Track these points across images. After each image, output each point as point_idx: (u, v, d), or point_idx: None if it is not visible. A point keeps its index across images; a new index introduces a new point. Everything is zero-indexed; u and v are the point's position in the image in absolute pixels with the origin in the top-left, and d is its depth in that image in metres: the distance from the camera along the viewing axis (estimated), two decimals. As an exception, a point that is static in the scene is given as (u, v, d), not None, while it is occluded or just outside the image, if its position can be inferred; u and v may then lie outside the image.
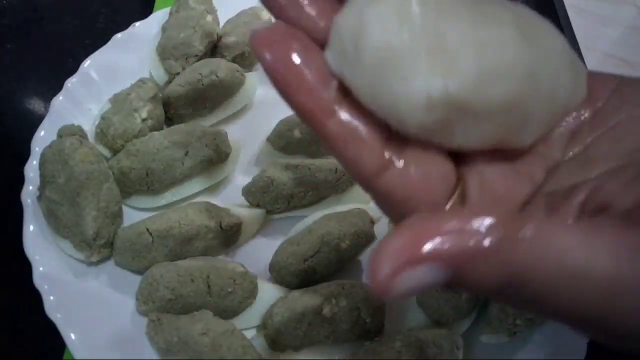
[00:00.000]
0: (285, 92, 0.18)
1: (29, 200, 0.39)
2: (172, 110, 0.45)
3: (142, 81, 0.44)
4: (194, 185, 0.43)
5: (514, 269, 0.15)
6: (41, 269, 0.37)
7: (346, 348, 0.37)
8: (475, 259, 0.15)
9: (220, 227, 0.40)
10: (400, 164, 0.18)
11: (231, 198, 0.44)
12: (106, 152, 0.43)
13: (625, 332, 0.15)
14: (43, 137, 0.41)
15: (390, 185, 0.18)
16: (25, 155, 0.41)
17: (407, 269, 0.14)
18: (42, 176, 0.38)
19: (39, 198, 0.39)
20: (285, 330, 0.36)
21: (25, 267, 0.37)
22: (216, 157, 0.43)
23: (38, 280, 0.36)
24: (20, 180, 0.40)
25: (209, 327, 0.34)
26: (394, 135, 0.18)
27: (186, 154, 0.41)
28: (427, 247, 0.14)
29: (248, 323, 0.38)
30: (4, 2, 0.59)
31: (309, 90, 0.18)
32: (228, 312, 0.37)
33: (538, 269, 0.15)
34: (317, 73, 0.18)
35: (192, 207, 0.40)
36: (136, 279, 0.38)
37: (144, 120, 0.43)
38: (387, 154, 0.18)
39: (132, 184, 0.41)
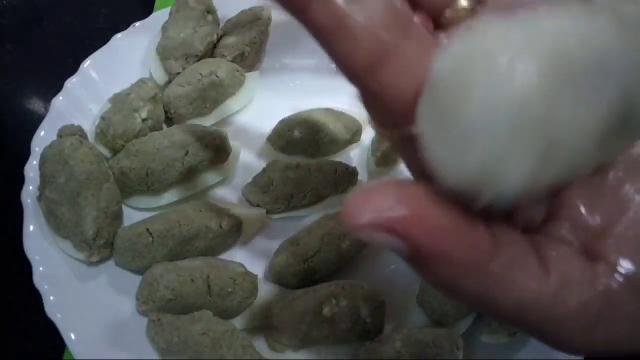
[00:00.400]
0: None
1: (29, 200, 0.39)
2: (172, 110, 0.45)
3: (142, 81, 0.44)
4: (194, 185, 0.43)
5: (473, 288, 0.15)
6: (41, 269, 0.37)
7: (346, 348, 0.37)
8: (442, 263, 0.15)
9: (220, 227, 0.40)
10: (396, 56, 0.16)
11: (231, 198, 0.44)
12: (106, 152, 0.43)
13: (559, 343, 0.16)
14: (43, 137, 0.41)
15: (381, 82, 0.16)
16: (25, 155, 0.41)
17: (380, 231, 0.14)
18: (42, 176, 0.38)
19: (39, 198, 0.39)
20: (285, 330, 0.36)
21: (25, 267, 0.37)
22: (216, 157, 0.43)
23: (38, 280, 0.36)
24: (20, 180, 0.40)
25: (209, 327, 0.34)
26: (396, 19, 0.16)
27: (186, 154, 0.41)
28: (407, 230, 0.14)
29: (248, 323, 0.38)
30: (4, 2, 0.58)
31: None
32: (228, 312, 0.37)
33: (494, 293, 0.15)
34: None
35: (192, 207, 0.40)
36: (136, 279, 0.38)
37: (144, 120, 0.43)
38: (380, 47, 0.16)
39: (132, 184, 0.41)
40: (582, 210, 0.17)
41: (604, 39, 0.14)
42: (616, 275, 0.16)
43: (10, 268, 0.42)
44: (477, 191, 0.14)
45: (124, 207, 0.41)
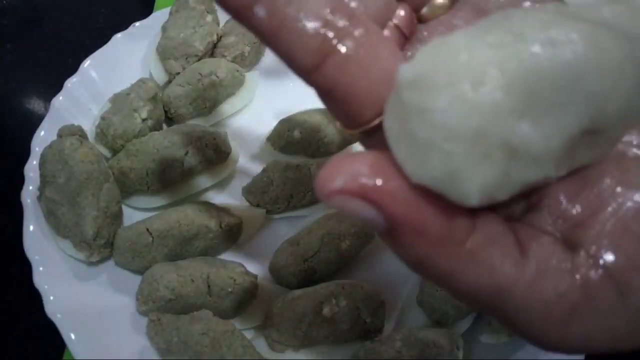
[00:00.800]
0: None
1: (29, 200, 0.39)
2: (172, 110, 0.45)
3: (142, 81, 0.44)
4: (194, 186, 0.43)
5: (447, 265, 0.15)
6: (41, 269, 0.37)
7: (346, 348, 0.37)
8: (416, 236, 0.15)
9: (220, 227, 0.40)
10: (341, 53, 0.15)
11: (231, 198, 0.44)
12: (106, 152, 0.43)
13: (534, 336, 0.16)
14: (43, 137, 0.41)
15: (330, 80, 0.16)
16: (25, 155, 0.41)
17: (354, 198, 0.14)
18: (42, 176, 0.38)
19: (39, 198, 0.39)
20: (285, 330, 0.36)
21: (25, 267, 0.37)
22: (216, 157, 0.43)
23: (38, 280, 0.36)
24: (20, 180, 0.40)
25: (209, 327, 0.34)
26: (336, 11, 0.15)
27: (186, 154, 0.41)
28: (382, 198, 0.14)
29: (248, 323, 0.38)
30: (4, 2, 0.59)
31: None
32: (228, 312, 0.37)
33: (468, 273, 0.15)
34: None
35: (192, 207, 0.40)
36: (136, 279, 0.38)
37: (144, 120, 0.43)
38: (324, 45, 0.15)
39: (132, 184, 0.41)
40: (564, 201, 0.16)
41: (576, 51, 0.14)
42: (596, 267, 0.15)
43: (10, 268, 0.42)
44: (440, 192, 0.14)
45: (124, 207, 0.41)
